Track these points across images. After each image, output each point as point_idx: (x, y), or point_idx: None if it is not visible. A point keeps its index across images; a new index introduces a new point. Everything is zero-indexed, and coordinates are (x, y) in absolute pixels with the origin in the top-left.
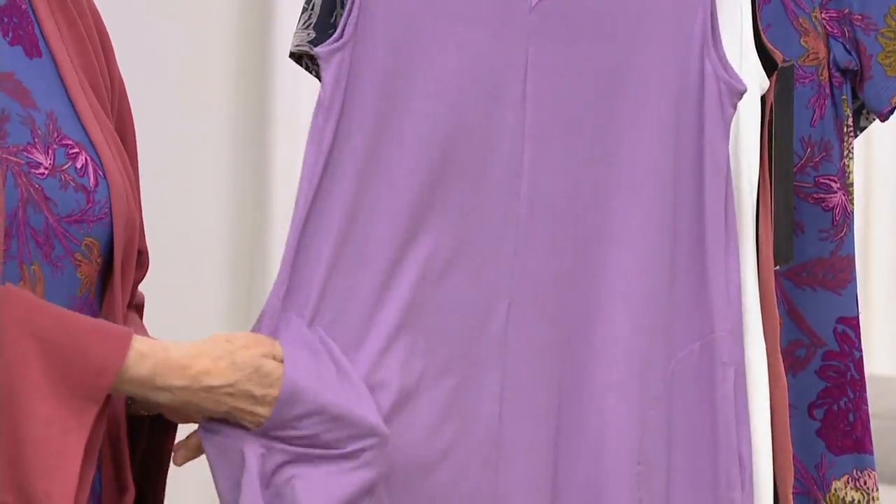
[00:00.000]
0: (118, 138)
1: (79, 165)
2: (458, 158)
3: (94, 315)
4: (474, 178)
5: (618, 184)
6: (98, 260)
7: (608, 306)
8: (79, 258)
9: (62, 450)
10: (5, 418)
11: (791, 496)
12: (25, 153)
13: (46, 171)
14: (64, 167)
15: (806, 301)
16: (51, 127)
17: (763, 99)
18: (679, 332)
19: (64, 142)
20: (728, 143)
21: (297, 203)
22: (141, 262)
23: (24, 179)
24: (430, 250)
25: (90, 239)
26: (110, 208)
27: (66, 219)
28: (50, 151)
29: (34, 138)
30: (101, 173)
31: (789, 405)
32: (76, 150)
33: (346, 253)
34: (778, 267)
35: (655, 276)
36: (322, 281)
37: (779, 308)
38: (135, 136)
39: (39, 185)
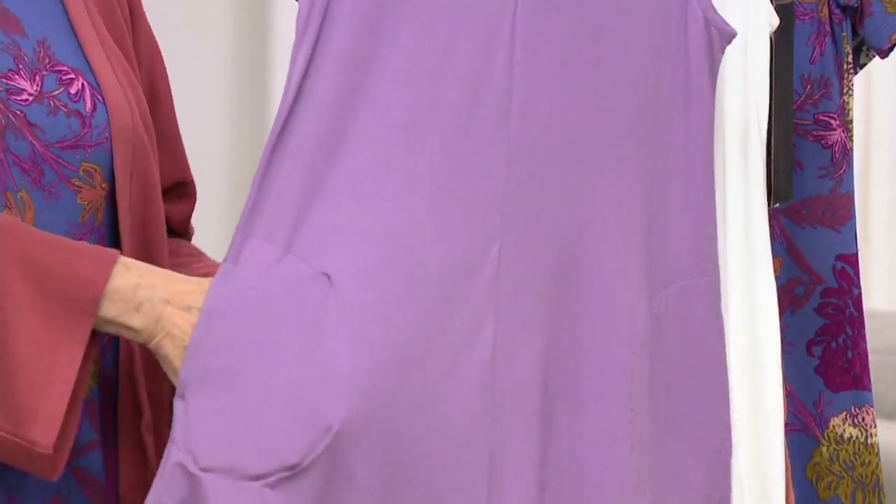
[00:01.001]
0: (128, 66)
1: (73, 91)
2: (446, 94)
3: (102, 239)
4: (463, 116)
5: (604, 127)
6: (103, 185)
7: (595, 250)
8: (77, 184)
9: (52, 366)
10: None
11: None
12: (4, 80)
13: (31, 98)
14: (54, 93)
15: (805, 238)
16: (41, 54)
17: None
18: (657, 276)
19: (56, 68)
20: (715, 89)
21: (272, 129)
22: (187, 192)
23: (1, 106)
24: (418, 190)
25: (89, 164)
26: (110, 133)
27: (56, 144)
28: (37, 78)
29: (17, 65)
30: (99, 97)
31: (788, 342)
32: (71, 75)
33: (326, 181)
34: (777, 204)
35: (639, 219)
36: (295, 209)
37: (778, 246)
38: (168, 86)
39: (21, 112)
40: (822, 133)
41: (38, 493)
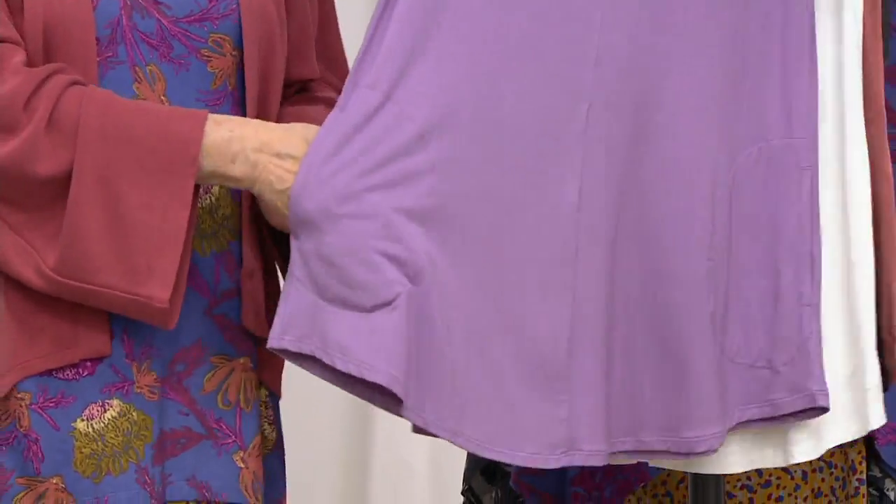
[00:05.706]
0: None
1: None
2: None
3: (235, 104)
4: None
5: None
6: (233, 53)
7: (673, 113)
8: (206, 54)
9: (163, 228)
10: (103, 208)
11: (895, 286)
12: None
13: None
14: None
15: None
16: None
17: None
18: (742, 135)
19: None
20: None
21: None
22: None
23: None
24: (513, 53)
25: (217, 35)
26: (239, 3)
27: (183, 20)
28: None
29: None
30: None
31: None
32: None
33: (428, 42)
34: None
35: (720, 83)
36: (399, 62)
37: None
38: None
39: None
40: None
41: (181, 340)
